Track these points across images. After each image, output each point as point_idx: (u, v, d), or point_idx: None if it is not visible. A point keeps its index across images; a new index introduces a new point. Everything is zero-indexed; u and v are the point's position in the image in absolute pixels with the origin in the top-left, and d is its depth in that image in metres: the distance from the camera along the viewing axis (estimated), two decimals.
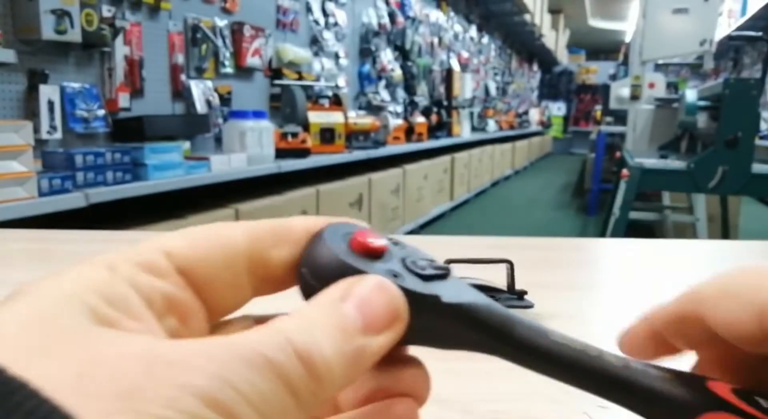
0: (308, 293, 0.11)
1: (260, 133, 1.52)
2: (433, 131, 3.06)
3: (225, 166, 1.38)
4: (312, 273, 0.11)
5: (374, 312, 0.10)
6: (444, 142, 3.15)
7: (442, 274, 0.11)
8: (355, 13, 2.55)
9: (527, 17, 5.20)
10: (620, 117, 3.30)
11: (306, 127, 1.81)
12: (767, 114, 2.84)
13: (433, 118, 3.04)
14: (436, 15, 3.58)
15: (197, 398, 0.08)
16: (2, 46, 1.04)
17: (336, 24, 2.32)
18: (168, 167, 1.23)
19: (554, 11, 6.86)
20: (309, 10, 2.17)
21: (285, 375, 0.08)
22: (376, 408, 0.11)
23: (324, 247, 0.11)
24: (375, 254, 0.11)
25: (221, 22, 1.67)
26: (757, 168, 1.58)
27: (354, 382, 0.10)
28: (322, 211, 1.79)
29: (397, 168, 2.46)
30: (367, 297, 0.10)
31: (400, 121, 2.65)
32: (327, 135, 1.90)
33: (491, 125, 4.58)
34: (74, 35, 1.16)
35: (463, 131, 3.67)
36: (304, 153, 1.73)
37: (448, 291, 0.11)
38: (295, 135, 1.72)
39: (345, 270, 0.10)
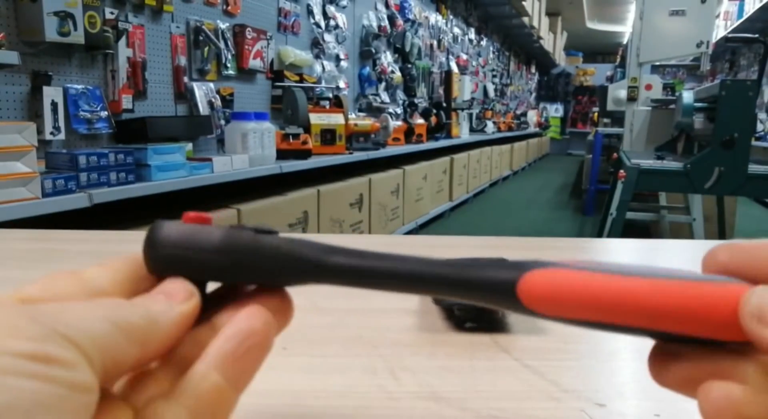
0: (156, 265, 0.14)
1: (262, 135, 1.53)
2: (433, 132, 3.07)
3: (227, 167, 1.39)
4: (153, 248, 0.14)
5: (172, 289, 0.13)
6: (443, 143, 3.16)
7: (268, 231, 0.14)
8: (356, 16, 2.57)
9: (525, 20, 5.23)
10: (617, 118, 3.32)
11: (307, 128, 1.82)
12: (763, 115, 2.86)
13: (433, 119, 3.05)
14: (436, 18, 3.60)
15: (38, 325, 0.10)
16: (6, 47, 1.05)
17: (337, 27, 2.33)
18: (171, 168, 1.24)
19: (552, 14, 6.90)
20: (310, 13, 2.18)
21: (106, 313, 0.11)
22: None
23: (162, 229, 0.14)
24: (203, 221, 0.14)
25: (223, 25, 1.69)
26: (753, 168, 1.60)
27: (176, 333, 0.13)
28: (323, 211, 1.80)
29: (397, 169, 2.47)
30: (165, 285, 0.14)
31: (399, 123, 2.66)
32: (328, 136, 1.91)
33: (490, 127, 4.60)
34: (77, 37, 1.17)
35: (462, 132, 3.68)
36: (305, 154, 1.73)
37: (271, 238, 0.14)
38: (296, 136, 1.73)
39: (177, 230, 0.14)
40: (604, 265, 0.12)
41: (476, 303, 0.13)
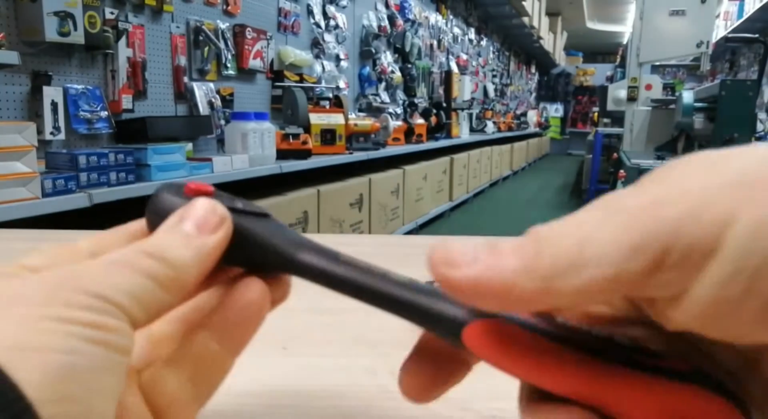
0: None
1: (262, 135, 1.53)
2: (433, 132, 3.07)
3: (227, 166, 1.39)
4: (156, 218, 0.13)
5: (204, 218, 0.13)
6: (443, 143, 3.16)
7: (257, 213, 0.14)
8: (356, 16, 2.57)
9: (525, 20, 5.23)
10: (617, 118, 3.32)
11: (307, 128, 1.82)
12: (763, 115, 2.86)
13: (433, 119, 3.05)
14: (436, 18, 3.60)
15: (88, 295, 0.10)
16: (6, 47, 1.05)
17: (337, 27, 2.33)
18: (171, 168, 1.24)
19: (552, 14, 6.90)
20: (310, 13, 2.18)
21: (142, 268, 0.12)
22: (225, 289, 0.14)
23: (162, 197, 0.14)
24: (206, 196, 0.14)
25: (223, 25, 1.69)
26: None
27: (206, 271, 0.13)
28: (323, 211, 1.80)
29: (397, 169, 2.47)
30: (196, 212, 0.13)
31: (399, 123, 2.66)
32: (328, 136, 1.91)
33: (490, 127, 4.59)
34: (77, 37, 1.17)
35: (462, 132, 3.68)
36: (305, 154, 1.73)
37: (251, 224, 0.14)
38: (296, 136, 1.73)
39: (179, 205, 0.13)
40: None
41: (425, 329, 0.13)
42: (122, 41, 1.34)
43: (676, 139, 2.17)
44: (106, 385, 0.10)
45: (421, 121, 2.89)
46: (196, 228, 0.13)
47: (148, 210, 0.14)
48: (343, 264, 0.14)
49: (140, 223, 0.14)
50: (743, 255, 0.09)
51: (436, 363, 0.14)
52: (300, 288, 0.15)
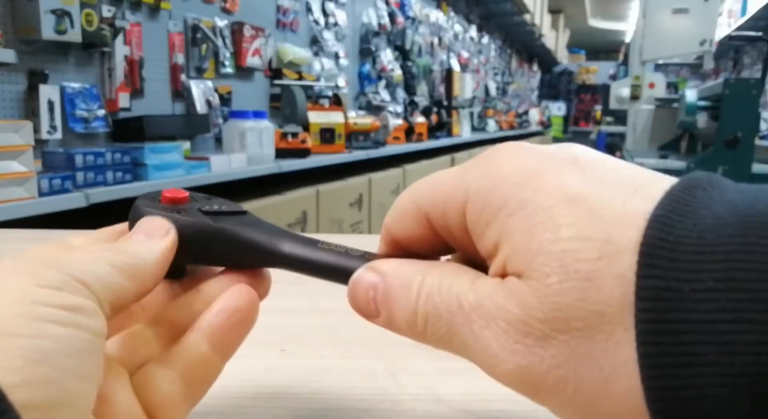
0: None
1: (260, 133, 1.52)
2: (433, 131, 3.06)
3: (225, 166, 1.38)
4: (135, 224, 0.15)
5: (151, 230, 0.15)
6: (444, 142, 3.15)
7: (233, 212, 0.16)
8: (355, 13, 2.56)
9: (527, 17, 5.21)
10: (620, 117, 3.31)
11: (306, 127, 1.81)
12: (767, 114, 2.84)
13: (433, 118, 3.04)
14: (436, 15, 3.58)
15: (59, 272, 0.11)
16: (2, 46, 1.04)
17: (336, 24, 2.32)
18: (168, 167, 1.23)
19: (554, 11, 6.87)
20: (309, 10, 2.17)
21: (104, 257, 0.13)
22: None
23: (139, 207, 0.15)
24: (179, 202, 0.16)
25: (221, 22, 1.68)
26: (757, 168, 1.59)
27: (163, 267, 0.14)
28: (322, 211, 1.79)
29: (397, 168, 2.46)
30: (144, 226, 0.15)
31: (400, 121, 2.65)
32: (327, 135, 1.91)
33: (491, 125, 4.58)
34: (74, 35, 1.16)
35: (463, 131, 3.67)
36: (304, 153, 1.73)
37: (228, 223, 0.15)
38: (295, 135, 1.72)
39: (153, 213, 0.15)
40: None
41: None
42: (119, 39, 1.33)
43: (680, 138, 2.16)
44: (80, 366, 0.10)
45: (421, 119, 2.88)
46: (146, 236, 0.14)
47: (130, 218, 0.15)
48: (321, 250, 0.15)
49: (124, 225, 0.16)
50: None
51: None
52: (298, 289, 0.15)
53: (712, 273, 0.09)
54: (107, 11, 1.30)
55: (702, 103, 1.76)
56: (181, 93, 1.56)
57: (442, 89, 3.53)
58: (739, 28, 4.26)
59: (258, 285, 0.15)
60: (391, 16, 2.88)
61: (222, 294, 0.14)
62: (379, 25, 2.73)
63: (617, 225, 0.10)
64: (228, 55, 1.71)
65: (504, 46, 5.93)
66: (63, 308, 0.10)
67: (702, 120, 1.74)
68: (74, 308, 0.11)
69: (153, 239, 0.14)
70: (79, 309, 0.11)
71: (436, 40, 3.56)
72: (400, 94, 3.04)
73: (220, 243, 0.15)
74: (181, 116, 1.56)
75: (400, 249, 0.14)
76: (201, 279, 0.15)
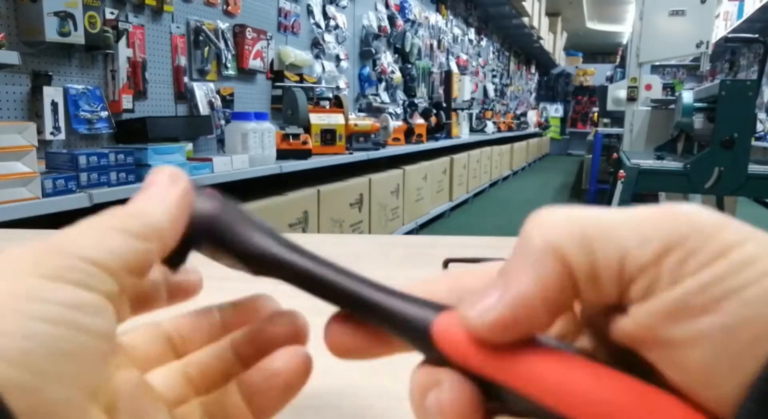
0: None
1: (262, 135, 1.53)
2: (433, 133, 3.07)
3: (227, 167, 1.39)
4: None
5: (158, 179, 0.13)
6: (443, 143, 3.16)
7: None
8: (356, 16, 2.57)
9: (525, 20, 5.23)
10: (617, 118, 3.32)
11: (307, 128, 1.82)
12: (763, 115, 2.86)
13: (433, 119, 3.05)
14: (436, 18, 3.60)
15: (74, 258, 0.10)
16: (6, 47, 1.05)
17: (337, 27, 2.33)
18: None
19: (552, 14, 6.90)
20: (310, 13, 2.18)
21: (115, 224, 0.12)
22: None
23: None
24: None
25: (223, 25, 1.69)
26: (753, 168, 1.60)
27: (181, 220, 0.13)
28: (323, 211, 1.80)
29: (397, 169, 2.47)
30: (150, 177, 0.14)
31: (399, 123, 2.66)
32: (328, 136, 1.91)
33: (490, 127, 4.59)
34: (77, 37, 1.17)
35: (462, 133, 3.68)
36: (305, 154, 1.73)
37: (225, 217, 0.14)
38: (296, 136, 1.73)
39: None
40: None
41: (395, 336, 0.12)
42: (122, 41, 1.34)
43: (676, 139, 2.18)
44: (66, 372, 0.09)
45: (421, 121, 2.89)
46: (154, 188, 0.13)
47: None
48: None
49: None
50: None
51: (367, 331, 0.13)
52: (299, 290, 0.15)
53: None
54: (110, 13, 1.31)
55: (698, 105, 1.77)
56: (183, 95, 1.57)
57: (441, 91, 3.54)
58: (736, 30, 4.29)
59: (304, 336, 0.15)
60: (391, 19, 2.89)
61: (277, 351, 0.14)
62: (379, 27, 2.75)
63: None
64: (230, 57, 1.72)
65: (502, 49, 5.95)
66: (59, 304, 0.09)
67: (698, 121, 1.76)
68: (72, 304, 0.10)
69: (162, 189, 0.13)
70: (79, 306, 0.10)
71: (435, 43, 3.58)
72: (400, 95, 3.05)
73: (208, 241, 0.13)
74: (184, 118, 1.57)
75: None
76: (258, 311, 0.15)
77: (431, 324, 0.11)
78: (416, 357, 0.13)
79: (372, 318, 0.12)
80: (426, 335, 0.11)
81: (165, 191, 0.13)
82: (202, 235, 0.13)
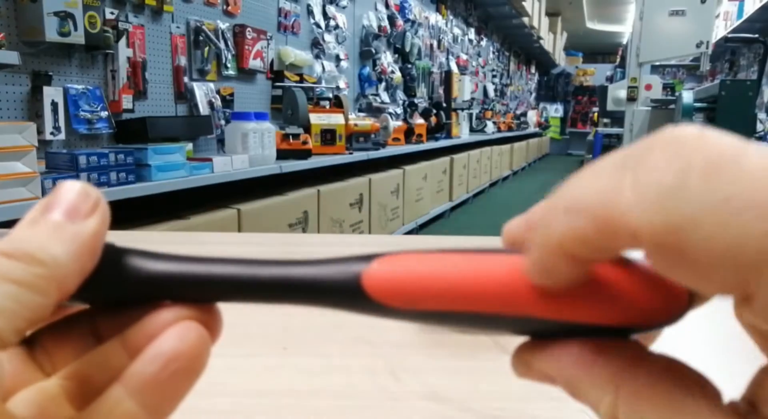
0: None
1: (262, 135, 1.53)
2: (433, 132, 3.07)
3: (227, 167, 1.39)
4: None
5: (73, 203, 0.10)
6: (443, 143, 3.16)
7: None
8: (356, 16, 2.57)
9: (525, 20, 5.23)
10: (617, 118, 3.33)
11: (307, 128, 1.82)
12: (763, 115, 2.86)
13: (433, 119, 3.05)
14: (436, 18, 3.60)
15: None
16: (6, 47, 1.05)
17: (337, 27, 2.33)
18: (171, 168, 1.24)
19: (552, 14, 6.90)
20: (310, 13, 2.18)
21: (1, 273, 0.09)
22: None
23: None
24: None
25: (223, 25, 1.69)
26: None
27: (91, 263, 0.10)
28: (323, 211, 1.80)
29: (397, 169, 2.47)
30: (64, 196, 0.10)
31: (399, 123, 2.66)
32: (328, 136, 1.91)
33: (490, 127, 4.59)
34: (77, 37, 1.17)
35: (462, 133, 3.68)
36: (305, 154, 1.73)
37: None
38: (296, 136, 1.73)
39: None
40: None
41: (323, 306, 0.11)
42: (122, 41, 1.34)
43: None
44: None
45: (421, 121, 2.89)
46: (66, 215, 0.10)
47: None
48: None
49: None
50: None
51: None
52: None
53: None
54: (110, 13, 1.31)
55: (698, 105, 1.77)
56: (183, 95, 1.57)
57: (441, 91, 3.54)
58: (736, 30, 4.29)
59: (209, 320, 0.11)
60: (391, 19, 2.89)
61: (161, 333, 0.10)
62: (379, 27, 2.75)
63: None
64: (230, 57, 1.72)
65: (502, 49, 5.95)
66: None
67: (698, 121, 1.76)
68: None
69: (74, 220, 0.10)
70: None
71: (435, 43, 3.58)
72: (400, 95, 3.05)
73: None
74: (184, 118, 1.57)
75: None
76: (135, 315, 0.11)
77: (361, 274, 0.11)
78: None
79: (297, 298, 0.11)
80: (359, 288, 0.11)
81: (79, 226, 0.10)
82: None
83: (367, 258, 0.11)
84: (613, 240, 0.09)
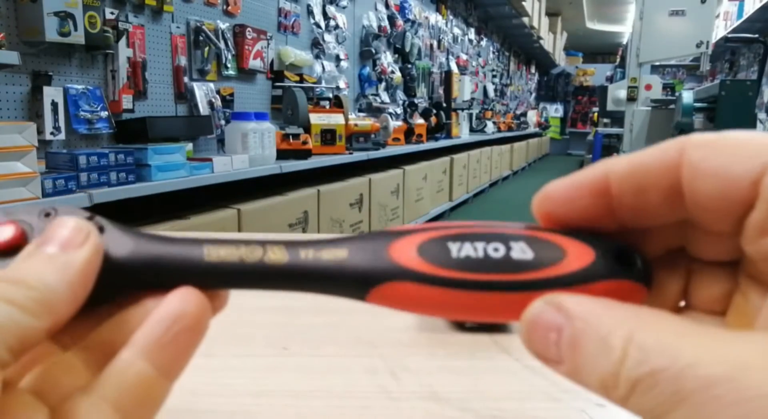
0: None
1: (262, 135, 1.53)
2: (433, 133, 3.07)
3: (227, 166, 1.39)
4: None
5: (66, 235, 0.11)
6: (443, 143, 3.16)
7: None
8: (356, 16, 2.57)
9: (525, 20, 5.23)
10: (617, 118, 3.33)
11: (307, 128, 1.82)
12: (763, 115, 2.86)
13: (433, 119, 3.05)
14: (436, 18, 3.60)
15: None
16: (6, 47, 1.05)
17: (337, 27, 2.33)
18: (171, 168, 1.24)
19: (552, 14, 6.90)
20: (310, 13, 2.19)
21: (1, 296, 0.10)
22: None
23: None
24: (7, 249, 0.11)
25: (223, 25, 1.69)
26: None
27: (84, 291, 0.11)
28: (323, 211, 1.80)
29: (397, 169, 2.47)
30: (55, 231, 0.12)
31: (399, 123, 2.66)
32: (328, 136, 1.92)
33: (490, 127, 4.60)
34: (77, 37, 1.17)
35: (462, 132, 3.69)
36: (305, 154, 1.74)
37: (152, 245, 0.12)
38: (296, 136, 1.73)
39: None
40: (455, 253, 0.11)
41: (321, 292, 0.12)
42: (122, 41, 1.34)
43: None
44: None
45: (421, 121, 2.89)
46: (60, 247, 0.11)
47: None
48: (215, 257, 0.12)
49: None
50: None
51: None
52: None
53: None
54: (110, 13, 1.31)
55: (698, 105, 1.77)
56: (183, 95, 1.57)
57: (441, 91, 3.55)
58: (736, 30, 4.29)
59: (212, 296, 0.12)
60: (391, 19, 2.90)
61: (160, 301, 0.12)
62: (379, 27, 2.75)
63: None
64: (230, 57, 1.72)
65: (502, 49, 5.95)
66: None
67: (698, 121, 1.76)
68: None
69: (67, 251, 0.11)
70: None
71: (435, 43, 3.58)
72: (400, 95, 3.05)
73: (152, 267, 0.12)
74: (184, 118, 1.57)
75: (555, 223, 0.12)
76: (140, 294, 0.12)
77: (368, 292, 0.12)
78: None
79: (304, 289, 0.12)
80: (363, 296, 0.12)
81: (71, 255, 0.11)
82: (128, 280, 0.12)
83: (373, 276, 0.12)
84: None
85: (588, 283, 0.11)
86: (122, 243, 0.12)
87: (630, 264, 0.11)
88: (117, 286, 0.12)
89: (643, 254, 0.12)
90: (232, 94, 1.75)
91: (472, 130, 4.13)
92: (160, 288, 0.12)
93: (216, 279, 0.12)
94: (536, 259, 0.11)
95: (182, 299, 0.12)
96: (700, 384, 0.08)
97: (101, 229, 0.12)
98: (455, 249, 0.11)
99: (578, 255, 0.11)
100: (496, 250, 0.11)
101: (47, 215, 0.12)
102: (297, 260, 0.12)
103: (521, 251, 0.11)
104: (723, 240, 0.11)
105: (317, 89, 2.13)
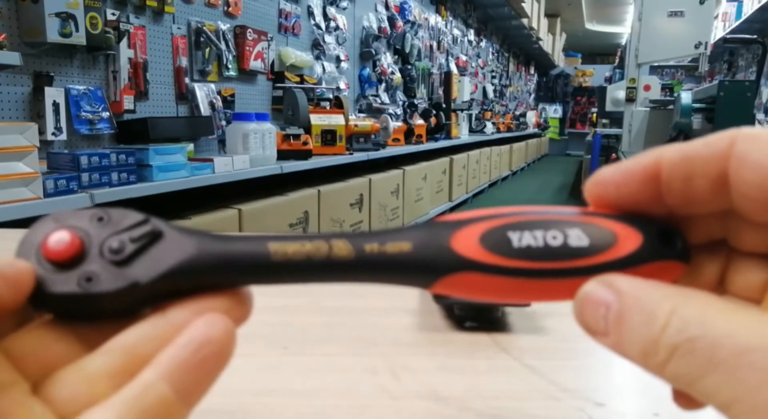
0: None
1: (263, 135, 1.53)
2: (432, 133, 3.07)
3: (228, 167, 1.39)
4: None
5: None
6: (443, 143, 3.17)
7: (144, 245, 0.12)
8: (356, 18, 2.57)
9: (525, 21, 5.24)
10: (616, 119, 3.34)
11: (307, 129, 1.83)
12: (762, 115, 2.87)
13: (432, 120, 3.06)
14: (435, 19, 3.61)
15: None
16: (7, 48, 1.05)
17: (337, 28, 2.34)
18: (172, 168, 1.24)
19: (551, 15, 6.91)
20: (310, 14, 2.19)
21: None
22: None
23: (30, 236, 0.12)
24: (66, 261, 0.12)
25: (224, 26, 1.69)
26: None
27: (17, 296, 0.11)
28: (324, 211, 1.80)
29: (397, 169, 2.47)
30: None
31: (399, 124, 2.66)
32: (328, 137, 1.92)
33: (489, 127, 4.60)
34: (79, 38, 1.17)
35: (462, 133, 3.69)
36: (305, 154, 1.74)
37: (147, 265, 0.12)
38: (296, 137, 1.73)
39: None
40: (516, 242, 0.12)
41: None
42: (124, 42, 1.34)
43: (675, 140, 2.18)
44: None
45: (420, 121, 2.89)
46: None
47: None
48: (282, 256, 0.12)
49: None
50: None
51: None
52: (299, 288, 0.15)
53: None
54: (111, 14, 1.31)
55: (697, 105, 1.78)
56: (185, 95, 1.57)
57: (440, 92, 3.55)
58: (734, 31, 4.30)
59: (237, 306, 0.12)
60: (391, 20, 2.90)
61: (191, 322, 0.11)
62: (380, 28, 2.75)
63: None
64: (231, 58, 1.72)
65: (502, 50, 5.96)
66: None
67: (697, 122, 1.77)
68: None
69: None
70: None
71: (435, 44, 3.58)
72: (400, 96, 3.05)
73: (163, 293, 0.12)
74: (185, 118, 1.57)
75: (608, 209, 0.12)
76: (170, 300, 0.12)
77: (434, 282, 0.12)
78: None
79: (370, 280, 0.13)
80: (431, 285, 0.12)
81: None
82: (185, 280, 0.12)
83: (438, 265, 0.12)
84: None
85: (637, 266, 0.12)
86: (184, 245, 0.12)
87: (672, 244, 0.12)
88: (179, 290, 0.12)
89: (683, 233, 0.12)
90: (233, 95, 1.75)
91: (471, 131, 4.13)
92: (225, 288, 0.12)
93: (282, 277, 0.12)
94: (591, 246, 0.12)
95: (209, 324, 0.11)
96: (736, 351, 0.09)
97: (159, 233, 0.12)
98: (516, 238, 0.12)
99: (628, 239, 0.12)
100: (555, 238, 0.12)
101: (100, 220, 0.12)
102: (363, 255, 0.12)
103: (578, 238, 0.12)
104: (764, 231, 0.11)
105: (318, 90, 2.13)
